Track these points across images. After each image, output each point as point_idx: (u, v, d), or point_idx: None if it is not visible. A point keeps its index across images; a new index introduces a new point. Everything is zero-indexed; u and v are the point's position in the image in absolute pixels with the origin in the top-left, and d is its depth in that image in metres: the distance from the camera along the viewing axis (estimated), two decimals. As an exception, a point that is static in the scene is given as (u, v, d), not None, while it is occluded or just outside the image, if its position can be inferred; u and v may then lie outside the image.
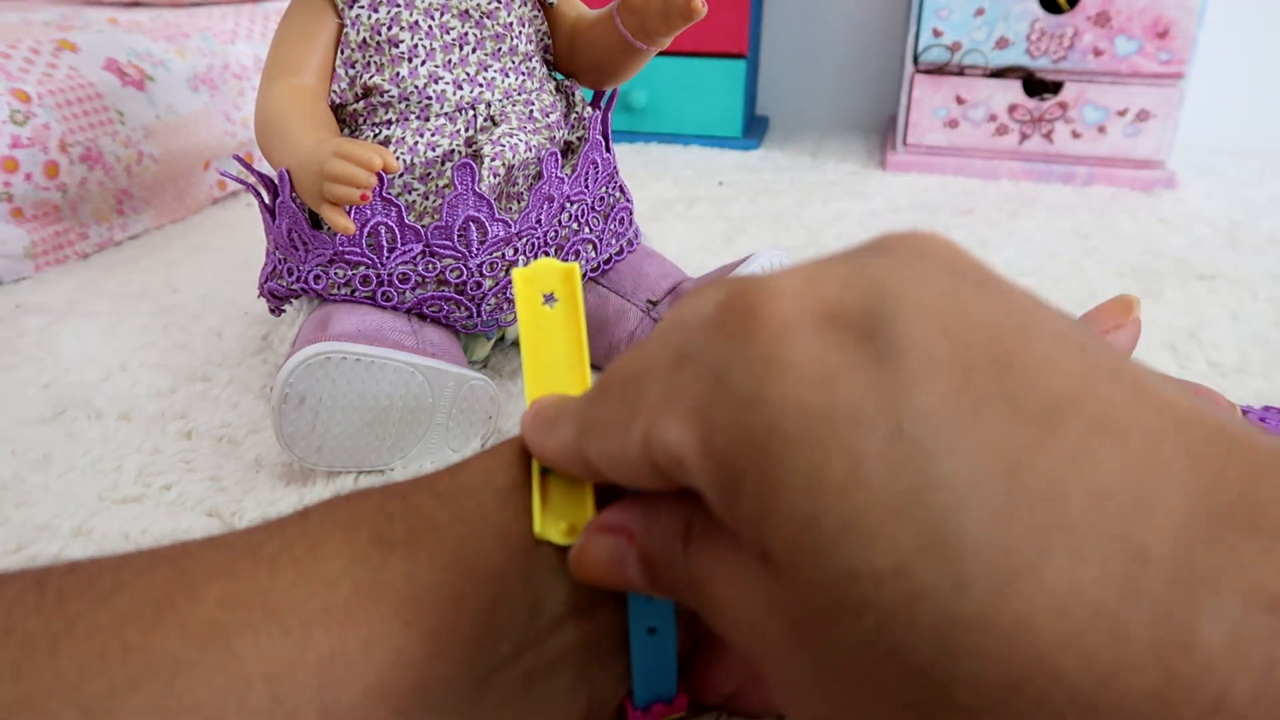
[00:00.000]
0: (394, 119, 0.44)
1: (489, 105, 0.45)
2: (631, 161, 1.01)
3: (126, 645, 0.17)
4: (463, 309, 0.45)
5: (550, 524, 0.22)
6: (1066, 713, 0.12)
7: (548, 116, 0.47)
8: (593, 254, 0.49)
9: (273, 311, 0.48)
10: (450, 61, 0.44)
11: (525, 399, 0.24)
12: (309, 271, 0.43)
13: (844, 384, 0.14)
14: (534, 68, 0.47)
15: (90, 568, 0.19)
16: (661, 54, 0.48)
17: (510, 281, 0.36)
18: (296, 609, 0.19)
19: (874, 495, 0.13)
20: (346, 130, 0.45)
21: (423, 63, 0.44)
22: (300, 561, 0.20)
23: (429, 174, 0.44)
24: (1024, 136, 0.96)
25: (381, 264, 0.42)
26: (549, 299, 0.25)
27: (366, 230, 0.42)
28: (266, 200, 0.45)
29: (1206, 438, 0.13)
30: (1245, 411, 0.42)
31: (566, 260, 0.47)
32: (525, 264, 0.45)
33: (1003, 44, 0.93)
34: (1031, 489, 0.13)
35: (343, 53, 0.44)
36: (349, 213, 0.39)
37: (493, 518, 0.22)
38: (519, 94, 0.46)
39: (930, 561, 0.13)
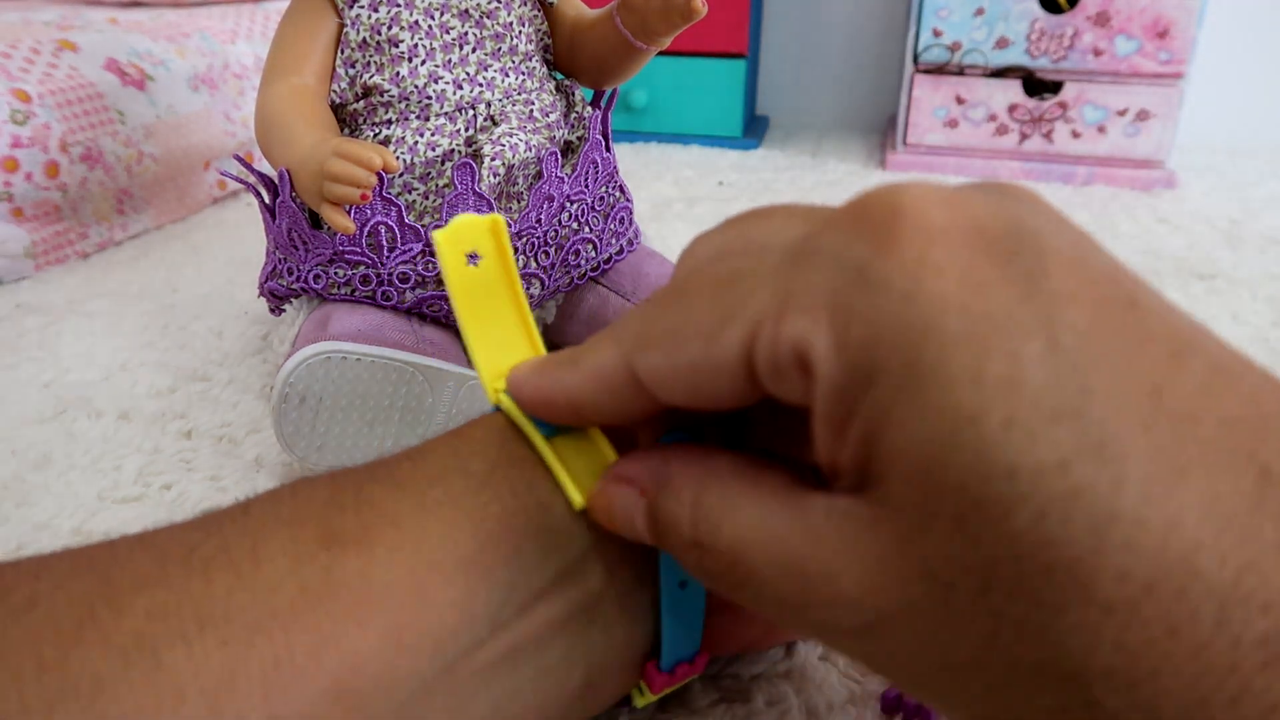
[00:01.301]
0: (394, 119, 0.44)
1: (489, 105, 0.45)
2: (631, 161, 1.01)
3: (42, 664, 0.16)
4: (463, 309, 0.45)
5: (585, 494, 0.21)
6: (1201, 606, 0.13)
7: (548, 116, 0.47)
8: (593, 254, 0.49)
9: (273, 311, 0.48)
10: (450, 61, 0.44)
11: (477, 370, 0.22)
12: (309, 271, 0.43)
13: (999, 292, 0.15)
14: (534, 67, 0.47)
15: (7, 575, 0.18)
16: (661, 54, 0.49)
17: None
18: (235, 616, 0.18)
19: (1036, 396, 0.14)
20: (346, 130, 0.45)
21: (423, 62, 0.44)
22: (238, 565, 0.18)
23: (429, 174, 0.44)
24: (1024, 136, 0.96)
25: (381, 264, 0.42)
26: (473, 258, 0.23)
27: (366, 230, 0.42)
28: (266, 200, 0.45)
29: None
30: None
31: (566, 260, 0.47)
32: (522, 264, 0.45)
33: (1003, 44, 0.93)
34: (1172, 409, 0.14)
35: (343, 52, 0.44)
36: (349, 212, 0.39)
37: (464, 504, 0.21)
38: (519, 94, 0.46)
39: (1090, 461, 0.13)
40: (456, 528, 0.20)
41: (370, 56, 0.44)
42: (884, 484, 0.15)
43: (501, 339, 0.23)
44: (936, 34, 0.95)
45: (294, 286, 0.44)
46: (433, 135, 0.44)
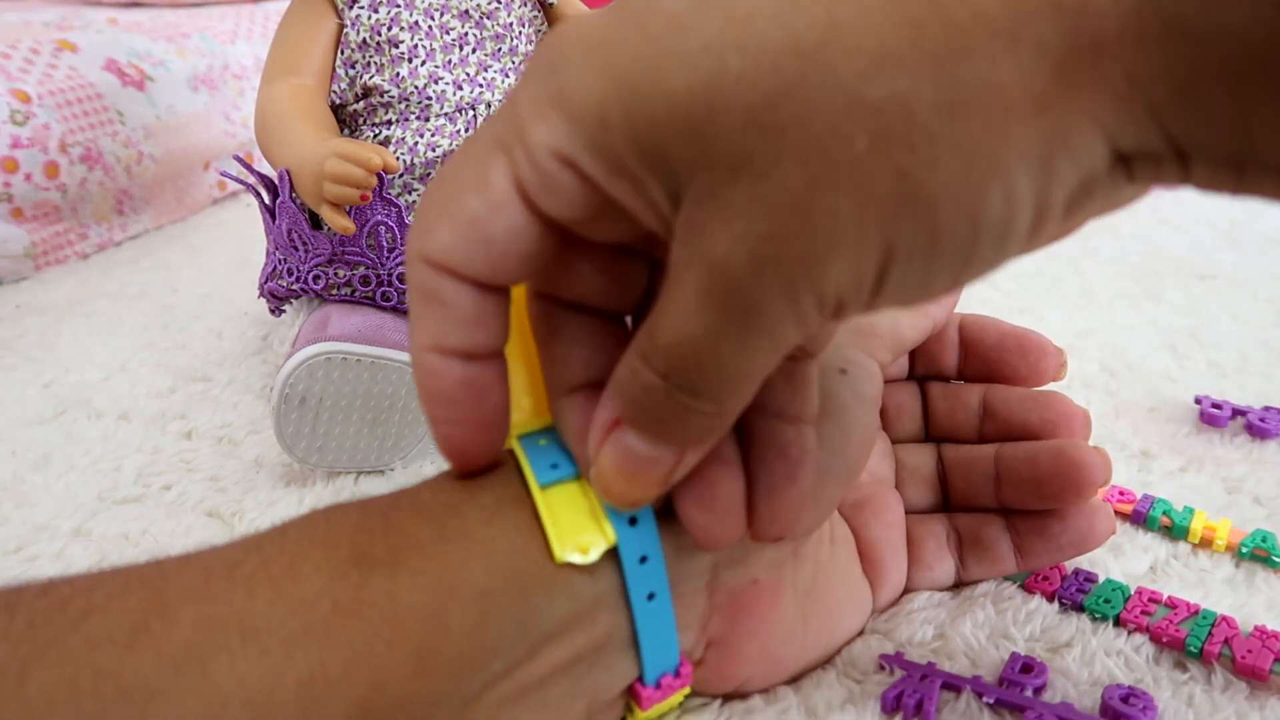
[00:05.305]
0: (394, 119, 0.44)
1: (489, 106, 0.45)
2: (631, 161, 1.01)
3: (98, 672, 0.17)
4: (463, 309, 0.45)
5: (566, 545, 0.21)
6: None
7: (548, 117, 0.47)
8: (593, 254, 0.49)
9: (273, 312, 0.48)
10: (450, 62, 0.44)
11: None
12: (309, 272, 0.43)
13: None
14: (534, 68, 0.47)
15: (63, 590, 0.19)
16: (661, 54, 0.49)
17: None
18: (275, 629, 0.18)
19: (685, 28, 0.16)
20: (346, 130, 0.45)
21: (423, 63, 0.44)
22: (277, 581, 0.19)
23: (429, 174, 0.44)
24: (1024, 136, 0.96)
25: (381, 264, 0.42)
26: None
27: (366, 230, 0.42)
28: (266, 200, 0.45)
29: None
30: (1245, 412, 0.42)
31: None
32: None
33: (1003, 44, 0.93)
34: None
35: (343, 53, 0.44)
36: (349, 213, 0.39)
37: (477, 535, 0.21)
38: (519, 94, 0.46)
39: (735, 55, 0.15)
40: (472, 558, 0.21)
41: (370, 57, 0.44)
42: (696, 178, 0.16)
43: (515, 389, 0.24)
44: (936, 34, 0.95)
45: (294, 287, 0.44)
46: (433, 136, 0.44)
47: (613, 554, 0.22)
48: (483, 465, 0.23)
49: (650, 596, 0.23)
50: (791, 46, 0.15)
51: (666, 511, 0.23)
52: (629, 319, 0.23)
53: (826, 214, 0.15)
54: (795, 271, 0.16)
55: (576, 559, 0.21)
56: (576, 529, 0.22)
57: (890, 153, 0.14)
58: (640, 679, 0.24)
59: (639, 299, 0.23)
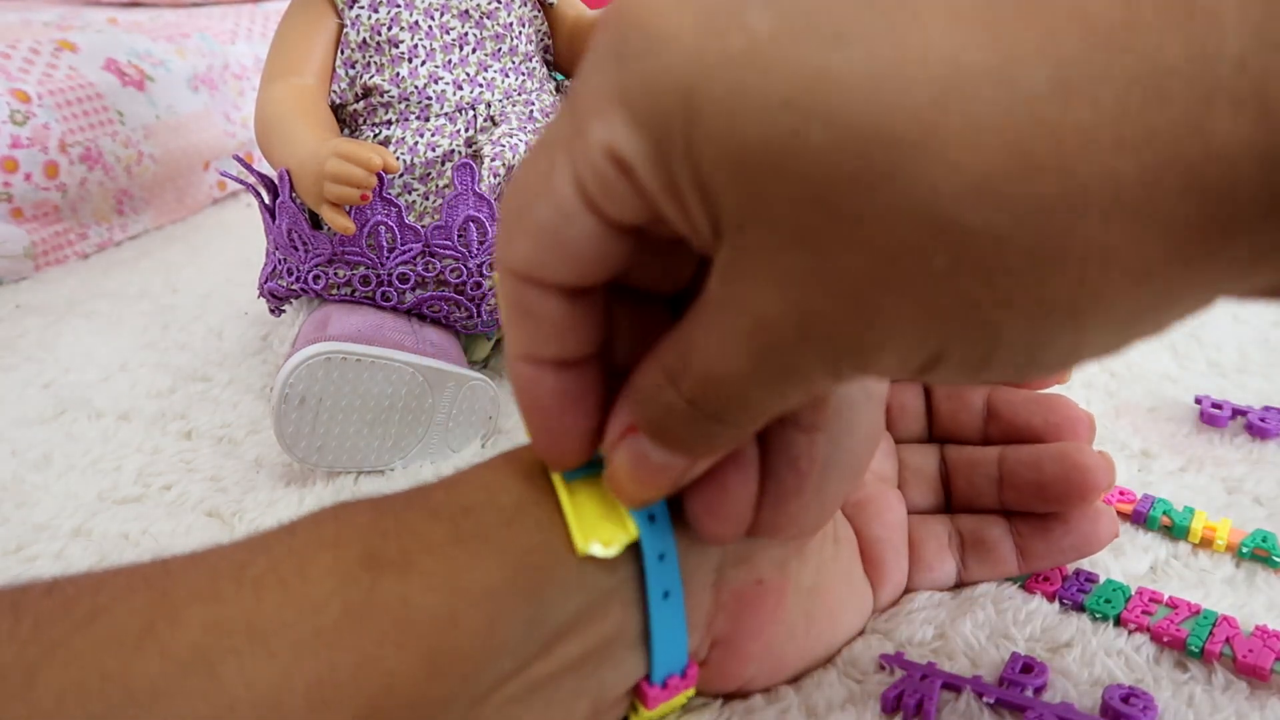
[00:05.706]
0: (394, 119, 0.44)
1: (489, 105, 0.45)
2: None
3: (105, 674, 0.17)
4: (463, 309, 0.45)
5: (589, 538, 0.22)
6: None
7: (548, 117, 0.47)
8: (593, 254, 0.49)
9: (273, 311, 0.48)
10: (450, 62, 0.44)
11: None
12: (309, 272, 0.43)
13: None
14: (534, 68, 0.47)
15: (68, 589, 0.19)
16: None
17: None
18: (283, 633, 0.18)
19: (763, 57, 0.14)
20: (346, 130, 0.45)
21: (423, 63, 0.44)
22: (287, 583, 0.19)
23: (429, 174, 0.44)
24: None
25: (381, 264, 0.42)
26: None
27: (366, 230, 0.42)
28: (266, 200, 0.45)
29: None
30: (1245, 412, 0.42)
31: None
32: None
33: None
34: None
35: (343, 53, 0.44)
36: (349, 213, 0.39)
37: (493, 537, 0.21)
38: (519, 94, 0.46)
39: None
40: (484, 559, 0.21)
41: (370, 57, 0.44)
42: (746, 230, 0.15)
43: None
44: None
45: (294, 287, 0.44)
46: (433, 136, 0.44)
47: (628, 549, 0.22)
48: (577, 466, 0.22)
49: (665, 595, 0.23)
50: (885, 134, 0.13)
51: (672, 506, 0.23)
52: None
53: (885, 312, 0.14)
54: (842, 349, 0.15)
55: (598, 551, 0.21)
56: (599, 522, 0.22)
57: (966, 280, 0.13)
58: (648, 678, 0.24)
59: (683, 286, 0.22)
